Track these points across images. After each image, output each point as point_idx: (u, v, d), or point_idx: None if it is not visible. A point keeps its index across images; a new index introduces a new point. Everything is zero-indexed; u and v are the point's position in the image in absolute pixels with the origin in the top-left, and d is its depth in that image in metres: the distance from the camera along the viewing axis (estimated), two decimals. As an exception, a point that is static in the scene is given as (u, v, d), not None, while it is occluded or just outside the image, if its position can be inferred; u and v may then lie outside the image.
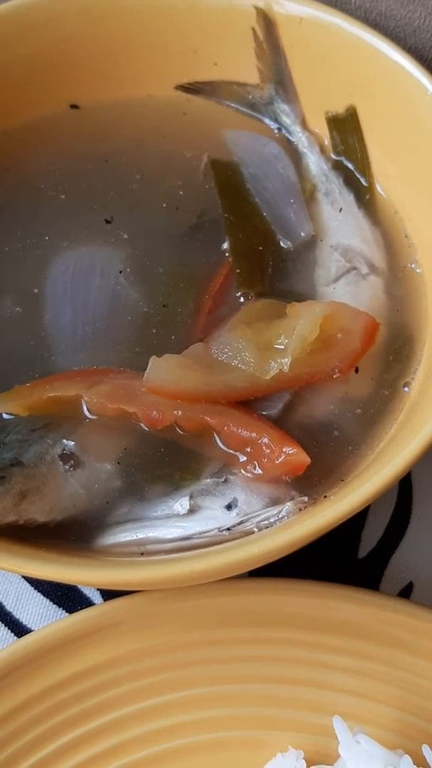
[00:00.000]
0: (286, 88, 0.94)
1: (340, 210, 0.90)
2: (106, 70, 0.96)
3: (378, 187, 0.92)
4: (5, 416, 0.78)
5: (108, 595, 0.87)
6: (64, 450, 0.76)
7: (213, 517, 0.74)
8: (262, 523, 0.73)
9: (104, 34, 0.94)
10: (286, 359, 0.76)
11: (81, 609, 0.81)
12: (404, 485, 0.93)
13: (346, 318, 0.80)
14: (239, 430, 0.76)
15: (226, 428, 0.76)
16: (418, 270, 0.87)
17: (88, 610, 0.80)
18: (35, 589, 0.89)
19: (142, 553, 0.73)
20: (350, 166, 0.92)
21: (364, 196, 0.91)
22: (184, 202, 0.91)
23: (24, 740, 0.77)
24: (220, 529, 0.74)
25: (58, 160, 0.95)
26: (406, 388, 0.81)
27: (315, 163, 0.93)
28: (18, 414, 0.78)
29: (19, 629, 0.88)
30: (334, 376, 0.79)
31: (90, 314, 0.84)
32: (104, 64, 0.96)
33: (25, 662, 0.78)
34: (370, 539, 0.91)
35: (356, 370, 0.80)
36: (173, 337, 0.83)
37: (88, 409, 0.78)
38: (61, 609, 0.88)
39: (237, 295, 0.85)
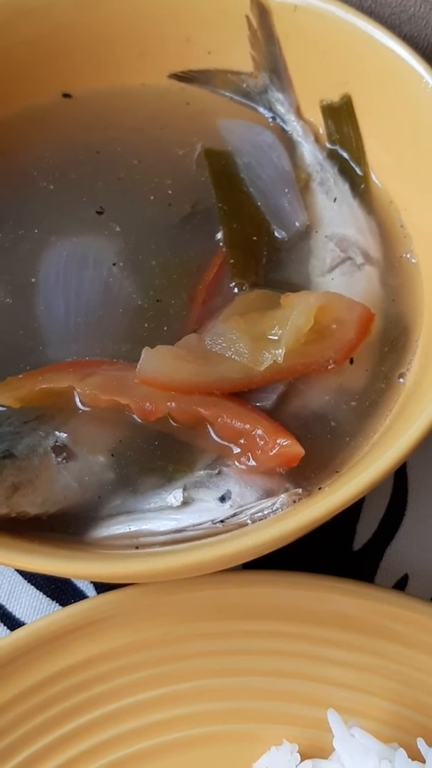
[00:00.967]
0: (281, 77, 0.93)
1: (335, 200, 0.89)
2: (99, 59, 0.95)
3: (373, 177, 0.91)
4: (-3, 408, 0.78)
5: (101, 588, 0.87)
6: (56, 442, 0.76)
7: (207, 509, 0.74)
8: (256, 515, 0.73)
9: (97, 22, 0.93)
10: (280, 350, 0.75)
11: (74, 602, 0.80)
12: (399, 477, 0.92)
13: (341, 308, 0.79)
14: (233, 422, 0.75)
15: (219, 420, 0.75)
16: (413, 260, 0.87)
17: (82, 603, 0.79)
18: (28, 582, 0.89)
19: (136, 547, 0.72)
20: (345, 155, 0.92)
21: (359, 185, 0.90)
22: (177, 192, 0.90)
23: (17, 734, 0.77)
24: (213, 522, 0.73)
25: (50, 150, 0.93)
26: (401, 379, 0.80)
27: (309, 152, 0.92)
28: (10, 406, 0.77)
29: (12, 622, 0.87)
30: (329, 367, 0.78)
31: (83, 305, 0.83)
32: (97, 53, 0.94)
33: (18, 655, 0.78)
34: (365, 531, 0.90)
35: (351, 361, 0.80)
36: (166, 328, 0.82)
37: (81, 401, 0.77)
38: (54, 602, 0.88)
39: (231, 285, 0.84)
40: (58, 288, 0.84)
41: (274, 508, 0.73)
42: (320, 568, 0.82)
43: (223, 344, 0.77)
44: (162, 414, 0.76)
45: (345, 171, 0.91)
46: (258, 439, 0.74)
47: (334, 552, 0.89)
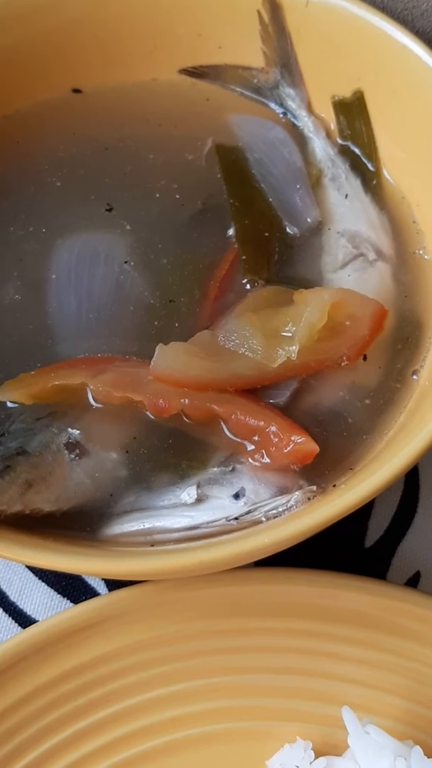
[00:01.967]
0: (292, 72, 0.93)
1: (347, 196, 0.89)
2: (109, 54, 0.95)
3: (385, 173, 0.91)
4: (10, 405, 0.77)
5: (113, 585, 0.87)
6: (69, 439, 0.76)
7: (221, 506, 0.74)
8: (271, 512, 0.73)
9: (108, 17, 0.93)
10: (294, 347, 0.75)
11: (86, 599, 0.80)
12: (411, 474, 0.92)
13: (355, 305, 0.79)
14: (247, 419, 0.75)
15: (233, 417, 0.75)
16: (426, 256, 0.86)
17: (94, 601, 0.79)
18: (39, 579, 0.89)
19: (152, 544, 0.72)
20: (357, 151, 0.91)
21: (371, 181, 0.90)
22: (188, 188, 0.90)
23: (31, 730, 0.77)
24: (227, 519, 0.73)
25: (60, 146, 0.93)
26: (414, 376, 0.80)
27: (321, 148, 0.92)
28: (23, 402, 0.77)
29: (23, 619, 0.87)
30: (342, 364, 0.78)
31: (95, 302, 0.83)
32: (108, 48, 0.94)
33: (31, 652, 0.78)
34: (376, 528, 0.90)
35: (364, 358, 0.80)
36: (179, 324, 0.82)
37: (94, 398, 0.77)
38: (65, 599, 0.88)
39: (243, 281, 0.84)
40: (70, 284, 0.84)
41: (289, 505, 0.73)
42: (332, 565, 0.82)
43: (237, 341, 0.77)
44: (175, 411, 0.75)
45: (357, 167, 0.91)
46: (272, 436, 0.74)
47: (346, 549, 0.89)
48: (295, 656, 0.80)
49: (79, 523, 0.74)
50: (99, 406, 0.77)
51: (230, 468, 0.75)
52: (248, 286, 0.83)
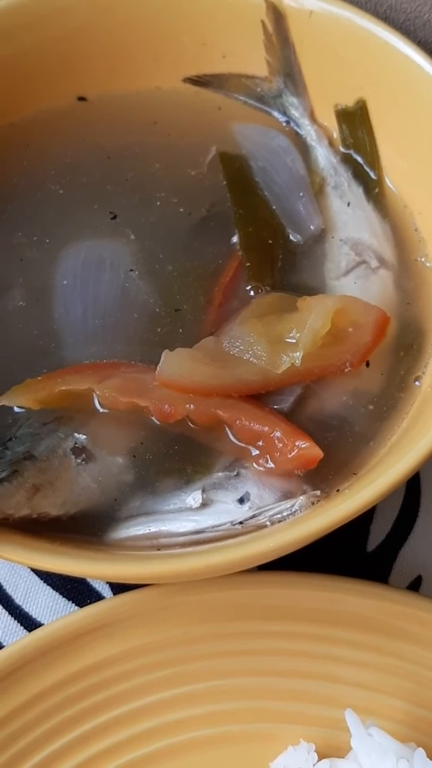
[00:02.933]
0: (295, 81, 0.94)
1: (349, 204, 0.90)
2: (114, 63, 0.96)
3: (387, 181, 0.92)
4: (17, 410, 0.78)
5: (118, 588, 0.88)
6: (75, 443, 0.76)
7: (226, 510, 0.74)
8: (275, 516, 0.74)
9: (113, 26, 0.94)
10: (298, 353, 0.76)
11: (91, 602, 0.81)
12: (412, 479, 0.93)
13: (358, 312, 0.80)
14: (251, 424, 0.76)
15: (238, 422, 0.76)
16: (427, 264, 0.87)
17: (99, 604, 0.80)
18: (44, 582, 0.89)
19: (158, 548, 0.73)
20: (359, 159, 0.92)
21: (373, 189, 0.91)
22: (192, 196, 0.91)
23: (37, 733, 0.78)
24: (232, 523, 0.74)
25: (66, 153, 0.94)
26: (417, 382, 0.81)
27: (324, 157, 0.93)
28: (30, 408, 0.77)
29: (29, 623, 0.88)
30: (346, 370, 0.79)
31: (101, 308, 0.84)
32: (112, 57, 0.95)
33: (37, 656, 0.78)
34: (378, 533, 0.91)
35: (367, 364, 0.80)
36: (184, 330, 0.83)
37: (100, 403, 0.78)
38: (71, 602, 0.89)
39: (247, 288, 0.84)
40: (76, 291, 0.85)
41: (293, 509, 0.73)
42: (334, 569, 0.83)
43: (241, 347, 0.78)
44: (181, 416, 0.76)
45: (359, 175, 0.92)
46: (276, 442, 0.75)
47: (349, 553, 0.90)
48: (298, 659, 0.81)
49: (86, 527, 0.75)
50: (105, 411, 0.78)
51: (235, 473, 0.76)
52: (252, 293, 0.84)
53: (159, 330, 0.83)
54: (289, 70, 0.94)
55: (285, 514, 0.73)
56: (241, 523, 0.74)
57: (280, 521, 0.73)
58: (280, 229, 0.89)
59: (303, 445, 0.74)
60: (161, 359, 0.76)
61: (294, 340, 0.77)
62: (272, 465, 0.75)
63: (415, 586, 0.89)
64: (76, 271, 0.86)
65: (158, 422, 0.77)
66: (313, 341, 0.76)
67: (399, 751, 0.73)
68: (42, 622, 0.88)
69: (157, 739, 0.79)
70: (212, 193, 0.91)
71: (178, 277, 0.86)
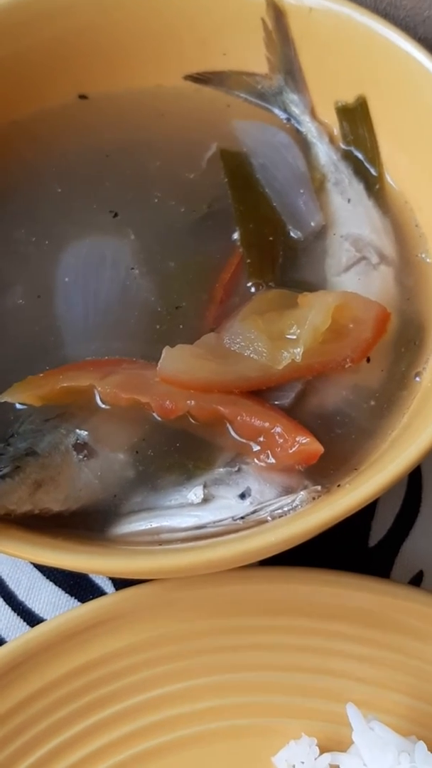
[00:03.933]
0: (296, 78, 0.94)
1: (350, 200, 0.90)
2: (115, 61, 0.96)
3: (388, 177, 0.92)
4: (19, 406, 0.78)
5: (119, 584, 0.88)
6: (77, 440, 0.77)
7: (227, 506, 0.75)
8: (276, 512, 0.74)
9: (114, 24, 0.94)
10: (299, 349, 0.76)
11: (93, 598, 0.81)
12: (414, 474, 0.93)
13: (358, 308, 0.80)
14: (252, 420, 0.76)
15: (239, 418, 0.76)
16: (428, 259, 0.88)
17: (101, 599, 0.81)
18: (47, 578, 0.90)
19: (160, 543, 0.73)
20: (360, 156, 0.93)
21: (373, 186, 0.91)
22: (193, 193, 0.91)
23: (41, 727, 0.78)
24: (234, 518, 0.74)
25: (66, 151, 0.95)
26: (417, 378, 0.81)
27: (324, 153, 0.93)
28: (32, 404, 0.78)
29: (31, 618, 0.88)
30: (346, 366, 0.79)
31: (101, 305, 0.84)
32: (113, 55, 0.95)
33: (39, 651, 0.79)
34: (380, 528, 0.91)
35: (368, 360, 0.81)
36: (185, 327, 0.83)
37: (101, 399, 0.78)
38: (73, 598, 0.89)
39: (248, 285, 0.85)
40: (77, 288, 0.85)
41: (294, 505, 0.74)
42: (336, 564, 0.83)
43: (242, 343, 0.78)
44: (182, 412, 0.77)
45: (360, 171, 0.92)
46: (277, 437, 0.75)
47: (350, 548, 0.90)
48: (300, 654, 0.81)
49: (88, 523, 0.75)
50: (107, 407, 0.78)
51: (236, 468, 0.76)
52: (253, 290, 0.85)
53: (160, 327, 0.83)
54: (289, 67, 0.94)
55: (286, 509, 0.74)
56: (242, 518, 0.74)
57: (281, 516, 0.74)
58: (280, 226, 0.89)
59: (304, 441, 0.74)
60: (162, 355, 0.76)
61: (295, 336, 0.77)
62: (273, 460, 0.76)
63: (416, 581, 0.90)
64: (78, 269, 0.86)
65: (159, 418, 0.78)
66: (314, 337, 0.77)
67: (400, 744, 0.73)
68: (44, 617, 0.88)
69: (159, 733, 0.80)
70: (213, 190, 0.91)
71: (179, 274, 0.86)
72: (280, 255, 0.87)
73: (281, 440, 0.75)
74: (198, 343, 0.79)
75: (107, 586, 0.89)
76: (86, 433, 0.77)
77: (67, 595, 0.89)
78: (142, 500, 0.76)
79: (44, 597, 0.89)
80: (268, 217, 0.89)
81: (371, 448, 0.78)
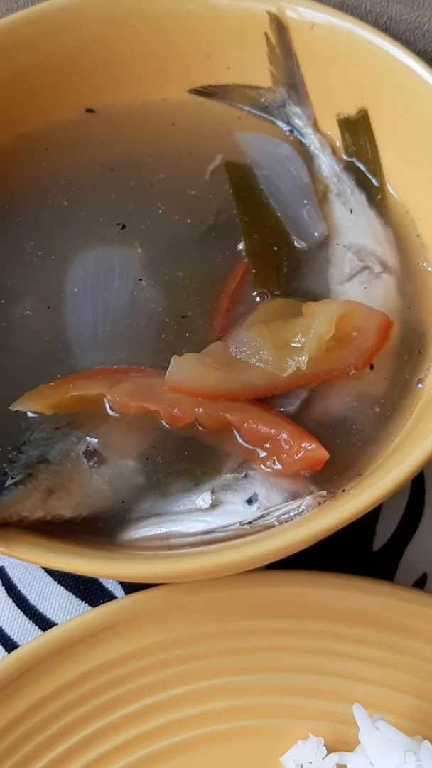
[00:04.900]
0: (298, 91, 0.96)
1: (352, 210, 0.92)
2: (121, 75, 0.98)
3: (389, 188, 0.93)
4: (30, 415, 0.80)
5: (129, 588, 0.89)
6: (88, 447, 0.78)
7: (234, 511, 0.76)
8: (283, 516, 0.75)
9: (119, 39, 0.96)
10: (304, 357, 0.78)
11: (103, 602, 0.83)
12: (417, 478, 0.94)
13: (361, 316, 0.82)
14: (259, 427, 0.77)
15: (245, 425, 0.78)
16: (429, 268, 0.89)
17: (111, 604, 0.82)
18: (58, 583, 0.91)
19: (169, 548, 0.75)
20: (362, 167, 0.94)
21: (375, 196, 0.93)
22: (198, 205, 0.93)
23: (53, 729, 0.79)
24: (241, 523, 0.76)
25: (75, 164, 0.96)
26: (420, 385, 0.83)
27: (327, 165, 0.94)
28: (42, 412, 0.79)
29: (43, 622, 0.90)
30: (350, 374, 0.80)
31: (110, 315, 0.86)
32: (119, 69, 0.97)
33: (51, 654, 0.80)
34: (384, 532, 0.93)
35: (371, 368, 0.82)
36: (192, 336, 0.85)
37: (111, 408, 0.80)
38: (84, 602, 0.90)
39: (253, 294, 0.86)
40: (86, 298, 0.87)
41: (300, 509, 0.75)
42: (341, 567, 0.84)
43: (248, 352, 0.80)
44: (190, 420, 0.78)
45: (362, 182, 0.94)
46: (283, 443, 0.76)
47: (355, 552, 0.91)
48: (306, 656, 0.82)
49: (99, 529, 0.77)
50: (116, 415, 0.80)
51: (243, 474, 0.78)
52: (258, 299, 0.86)
53: (167, 336, 0.85)
54: (292, 80, 0.95)
55: (292, 514, 0.75)
56: (249, 523, 0.75)
57: (287, 521, 0.75)
58: (285, 236, 0.90)
59: (309, 447, 0.75)
60: (170, 364, 0.78)
61: (299, 345, 0.79)
62: (279, 466, 0.77)
63: (420, 583, 0.91)
64: (87, 280, 0.88)
65: (168, 426, 0.79)
66: (318, 345, 0.78)
67: (406, 744, 0.74)
68: (56, 621, 0.90)
69: (169, 734, 0.81)
70: (218, 201, 0.93)
71: (185, 284, 0.88)
72: (284, 265, 0.89)
73: (287, 446, 0.76)
74: (205, 351, 0.80)
75: (117, 591, 0.91)
76: (96, 440, 0.79)
77: (78, 599, 0.91)
78: (151, 506, 0.78)
79: (56, 601, 0.90)
80: (273, 228, 0.91)
81: (375, 453, 0.79)
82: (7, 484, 0.72)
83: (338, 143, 0.96)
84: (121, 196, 0.94)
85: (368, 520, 0.93)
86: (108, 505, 0.78)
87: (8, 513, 0.71)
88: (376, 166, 0.94)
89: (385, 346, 0.82)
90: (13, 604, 0.90)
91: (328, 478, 0.77)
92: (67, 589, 0.91)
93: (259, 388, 0.79)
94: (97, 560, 0.72)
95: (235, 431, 0.79)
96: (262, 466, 0.78)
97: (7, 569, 0.92)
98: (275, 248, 0.89)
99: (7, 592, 0.91)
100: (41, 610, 0.90)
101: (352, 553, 0.91)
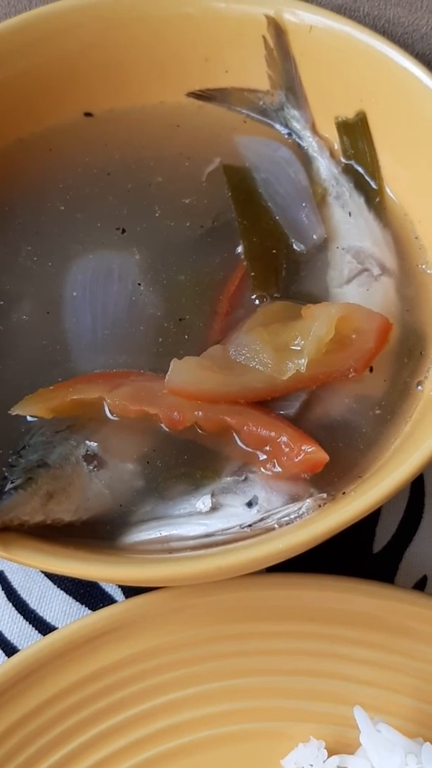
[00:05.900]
0: (296, 94, 0.96)
1: (351, 213, 0.92)
2: (119, 79, 0.98)
3: (388, 190, 0.94)
4: (29, 419, 0.80)
5: (129, 591, 0.89)
6: (87, 451, 0.78)
7: (234, 514, 0.76)
8: (283, 519, 0.75)
9: (118, 42, 0.96)
10: (303, 360, 0.78)
11: (103, 606, 0.83)
12: (416, 481, 0.94)
13: (360, 319, 0.82)
14: (258, 430, 0.78)
15: (245, 428, 0.78)
16: (428, 270, 0.89)
17: (112, 607, 0.82)
18: (58, 587, 0.91)
19: (170, 551, 0.75)
20: (360, 169, 0.94)
21: (374, 199, 0.93)
22: (197, 208, 0.93)
23: (53, 733, 0.80)
24: (241, 526, 0.76)
25: (73, 168, 0.96)
26: (419, 387, 0.83)
27: (325, 167, 0.94)
28: (42, 416, 0.79)
29: (43, 627, 0.90)
30: (350, 376, 0.80)
31: (109, 318, 0.86)
32: (118, 73, 0.97)
33: (52, 658, 0.80)
34: (384, 534, 0.93)
35: (371, 370, 0.82)
36: (191, 339, 0.85)
37: (111, 411, 0.80)
38: (83, 606, 0.90)
39: (252, 297, 0.86)
40: (85, 302, 0.87)
41: (300, 512, 0.75)
42: (341, 570, 0.85)
43: (247, 355, 0.80)
44: (189, 423, 0.78)
45: (360, 185, 0.94)
46: (283, 446, 0.77)
47: (355, 554, 0.91)
48: (307, 658, 0.82)
49: (99, 532, 0.77)
50: (116, 419, 0.80)
51: (243, 477, 0.78)
52: (257, 302, 0.86)
53: (167, 339, 0.85)
54: (290, 83, 0.96)
55: (292, 516, 0.75)
56: (249, 526, 0.76)
57: (287, 524, 0.75)
58: (283, 239, 0.91)
59: (309, 450, 0.75)
60: (170, 368, 0.78)
61: (299, 348, 0.79)
62: (279, 469, 0.77)
63: (420, 585, 0.91)
64: (86, 283, 0.88)
65: (168, 429, 0.79)
66: (318, 348, 0.78)
67: (407, 746, 0.75)
68: (56, 625, 0.90)
69: (170, 738, 0.81)
70: (217, 204, 0.93)
71: (184, 288, 0.88)
72: (283, 268, 0.89)
73: (287, 449, 0.76)
74: (204, 355, 0.80)
75: (117, 594, 0.91)
76: (96, 444, 0.79)
77: (78, 603, 0.91)
78: (151, 509, 0.78)
79: (56, 605, 0.90)
80: (272, 231, 0.91)
81: (375, 456, 0.79)
82: (7, 489, 0.72)
83: (336, 146, 0.96)
84: (120, 199, 0.94)
85: (368, 522, 0.93)
86: (108, 508, 0.78)
87: (8, 517, 0.71)
88: (374, 169, 0.94)
89: (384, 348, 0.83)
90: (13, 608, 0.90)
91: (328, 480, 0.78)
92: (66, 593, 0.91)
93: (259, 391, 0.79)
94: (97, 564, 0.72)
95: (234, 434, 0.79)
96: (262, 469, 0.78)
97: (7, 573, 0.92)
98: (274, 251, 0.89)
99: (7, 596, 0.91)
100: (41, 614, 0.90)
101: (352, 555, 0.91)
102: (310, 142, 0.96)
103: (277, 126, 0.98)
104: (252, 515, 0.76)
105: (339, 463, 0.78)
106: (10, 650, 0.89)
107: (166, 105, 1.00)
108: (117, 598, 0.91)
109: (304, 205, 0.92)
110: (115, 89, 0.98)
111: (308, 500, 0.76)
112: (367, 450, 0.80)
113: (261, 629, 0.83)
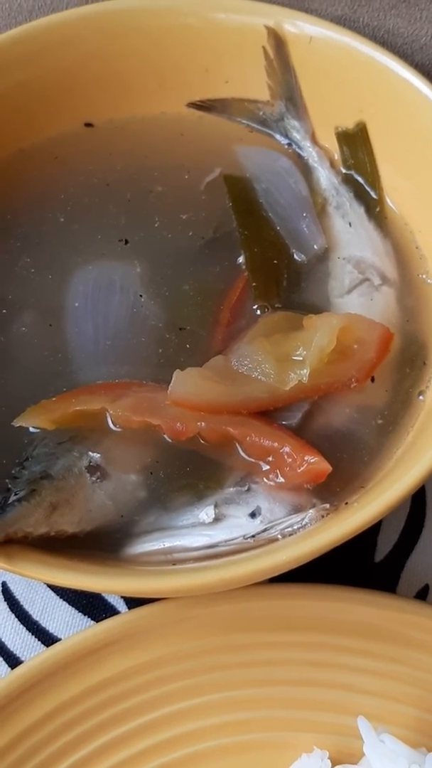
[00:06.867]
0: (297, 105, 0.96)
1: (351, 223, 0.92)
2: (119, 89, 0.98)
3: (388, 200, 0.94)
4: (32, 430, 0.80)
5: (133, 603, 0.89)
6: (90, 462, 0.78)
7: (238, 525, 0.76)
8: (286, 530, 0.75)
9: (118, 53, 0.96)
10: (305, 370, 0.78)
11: (106, 617, 0.83)
12: (418, 490, 0.94)
13: (362, 329, 0.82)
14: (261, 440, 0.78)
15: (248, 438, 0.78)
16: (429, 280, 0.89)
17: (115, 619, 0.82)
18: (61, 598, 0.91)
19: (173, 563, 0.75)
20: (360, 179, 0.94)
21: (374, 208, 0.93)
22: (198, 219, 0.93)
23: (57, 745, 0.79)
24: (245, 537, 0.76)
25: (74, 178, 0.96)
26: (421, 397, 0.83)
27: (326, 177, 0.95)
28: (45, 428, 0.79)
29: (46, 638, 0.89)
30: (352, 386, 0.81)
31: (111, 329, 0.86)
32: (118, 84, 0.97)
33: (56, 670, 0.80)
34: (386, 544, 0.93)
35: (372, 380, 0.82)
36: (193, 350, 0.85)
37: (113, 422, 0.80)
38: (86, 617, 0.90)
39: (254, 308, 0.87)
40: (87, 313, 0.87)
41: (303, 523, 0.75)
42: (343, 580, 0.85)
43: (250, 365, 0.80)
44: (192, 434, 0.78)
45: (360, 195, 0.94)
46: (286, 457, 0.77)
47: (357, 564, 0.91)
48: (310, 668, 0.82)
49: (102, 544, 0.77)
50: (118, 430, 0.80)
51: (246, 488, 0.78)
52: (259, 312, 0.86)
53: (168, 350, 0.85)
54: (290, 94, 0.96)
55: (296, 527, 0.75)
56: (253, 536, 0.76)
57: (291, 534, 0.75)
58: (284, 249, 0.91)
59: (312, 460, 0.76)
60: (173, 379, 0.78)
61: (301, 358, 0.79)
62: (282, 479, 0.77)
63: (422, 595, 0.91)
64: (87, 294, 0.88)
65: (170, 440, 0.79)
66: (320, 358, 0.78)
67: (410, 756, 0.75)
68: (59, 637, 0.90)
69: (174, 749, 0.81)
70: (217, 215, 0.93)
71: (186, 298, 0.88)
72: (284, 278, 0.89)
73: (290, 460, 0.76)
74: (207, 365, 0.81)
75: (120, 605, 0.91)
76: (99, 455, 0.79)
77: (81, 614, 0.90)
78: (154, 520, 0.78)
79: (59, 617, 0.90)
80: (272, 241, 0.91)
81: (377, 466, 0.80)
82: (10, 501, 0.72)
83: (337, 156, 0.96)
84: (120, 210, 0.94)
85: (370, 531, 0.91)
86: (111, 520, 0.78)
87: (12, 529, 0.71)
88: (374, 179, 0.94)
89: (385, 358, 0.83)
90: (16, 619, 0.90)
91: (331, 491, 0.78)
92: (70, 604, 0.91)
93: (261, 402, 0.79)
94: (100, 576, 0.72)
95: (237, 445, 0.79)
96: (265, 480, 0.78)
97: (10, 584, 0.92)
98: (275, 261, 0.90)
99: (10, 607, 0.91)
100: (44, 626, 0.90)
101: (353, 565, 0.91)
102: (310, 152, 0.96)
103: (277, 136, 0.98)
104: (255, 526, 0.76)
105: (341, 474, 0.78)
106: (14, 662, 0.89)
107: (167, 115, 1.00)
108: (120, 609, 0.91)
109: (304, 215, 0.93)
110: (116, 100, 0.98)
111: (311, 511, 0.76)
112: (370, 460, 0.80)
113: (264, 639, 0.83)
